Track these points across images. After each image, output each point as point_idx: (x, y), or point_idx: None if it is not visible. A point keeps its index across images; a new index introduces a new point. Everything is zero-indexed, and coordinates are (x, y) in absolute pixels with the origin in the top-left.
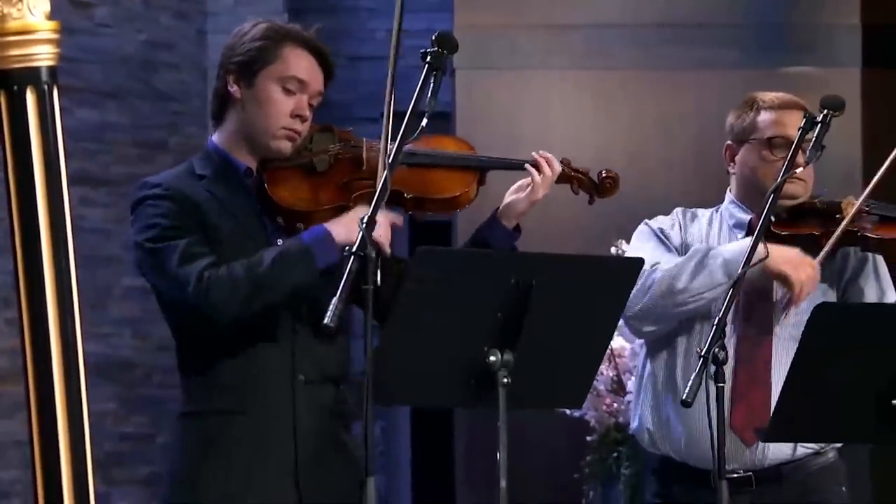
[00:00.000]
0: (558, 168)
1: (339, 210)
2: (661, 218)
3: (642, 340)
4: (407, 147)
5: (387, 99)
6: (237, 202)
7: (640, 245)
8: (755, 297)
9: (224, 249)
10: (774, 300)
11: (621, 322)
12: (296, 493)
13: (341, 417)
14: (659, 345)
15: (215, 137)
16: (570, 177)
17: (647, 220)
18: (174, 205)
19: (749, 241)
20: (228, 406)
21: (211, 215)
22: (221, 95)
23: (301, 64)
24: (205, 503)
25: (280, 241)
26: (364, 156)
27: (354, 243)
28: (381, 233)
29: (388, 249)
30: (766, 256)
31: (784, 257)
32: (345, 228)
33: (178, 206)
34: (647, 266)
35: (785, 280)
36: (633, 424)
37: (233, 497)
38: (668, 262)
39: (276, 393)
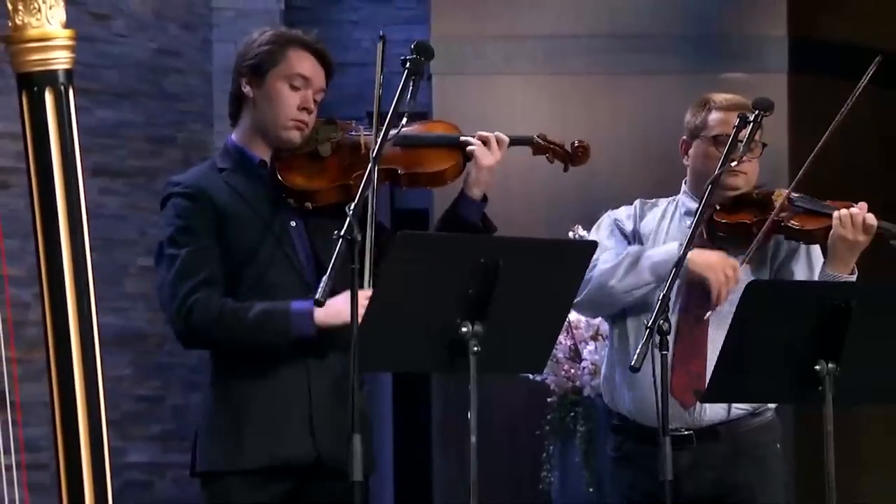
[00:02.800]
0: (504, 139)
1: (341, 189)
2: (621, 209)
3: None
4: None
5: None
6: (252, 190)
7: (596, 233)
8: (697, 281)
9: (238, 233)
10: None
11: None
12: (313, 445)
13: (349, 378)
14: (616, 320)
15: (234, 135)
16: (546, 148)
17: (609, 212)
18: (190, 203)
19: (675, 245)
20: (251, 373)
21: (226, 204)
22: (236, 97)
23: (304, 63)
24: (241, 463)
25: (293, 223)
26: (362, 141)
27: (332, 327)
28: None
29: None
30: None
31: (706, 262)
32: (326, 312)
33: (194, 203)
34: (595, 255)
35: (705, 283)
36: (601, 388)
37: (262, 454)
38: (605, 261)
39: (291, 360)
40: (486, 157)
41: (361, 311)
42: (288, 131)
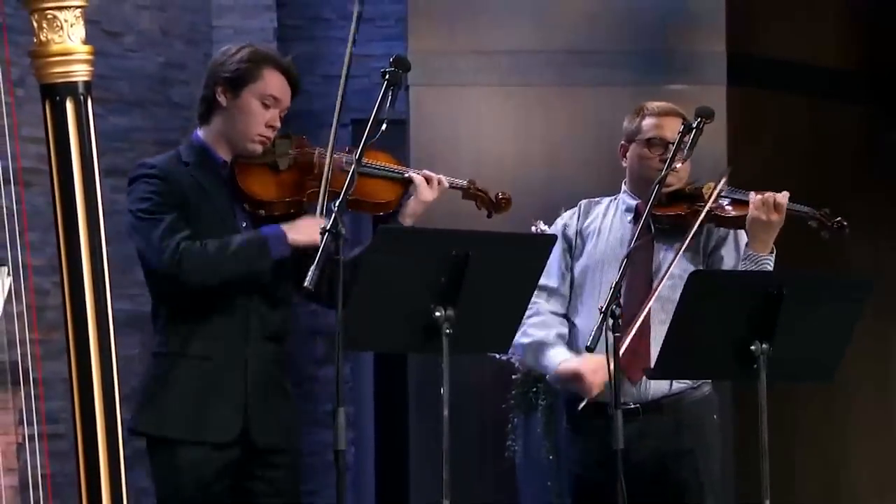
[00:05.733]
0: (444, 181)
1: (294, 204)
2: (566, 214)
3: None
4: (350, 156)
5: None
6: (212, 187)
7: (562, 219)
8: (638, 267)
9: (200, 225)
10: (654, 271)
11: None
12: (243, 430)
13: (283, 367)
14: (567, 315)
15: (200, 133)
16: (475, 195)
17: (560, 217)
18: (164, 184)
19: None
20: (194, 352)
21: (192, 196)
22: (209, 101)
23: (277, 83)
24: (168, 431)
25: (244, 224)
26: (315, 161)
27: (302, 244)
28: (306, 236)
29: (317, 243)
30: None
31: (579, 367)
32: (297, 231)
33: (167, 185)
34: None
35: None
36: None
37: (190, 427)
38: (530, 325)
39: (231, 345)
40: (426, 194)
41: (314, 236)
42: (254, 144)
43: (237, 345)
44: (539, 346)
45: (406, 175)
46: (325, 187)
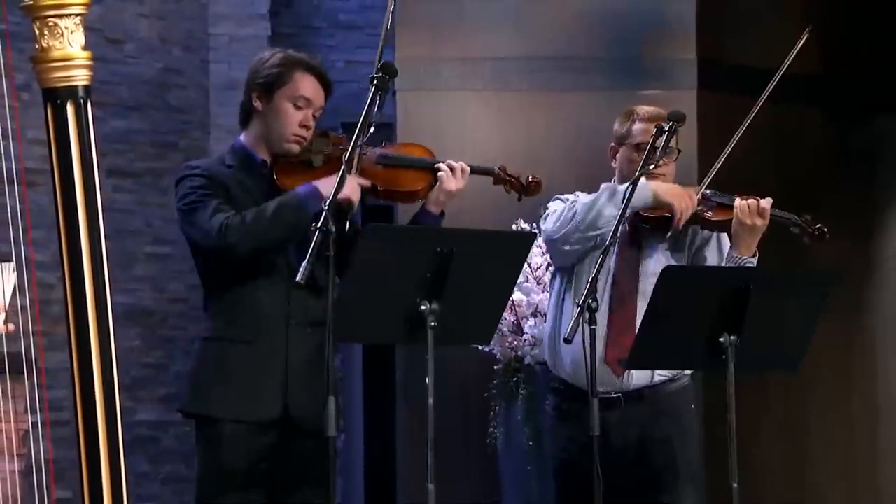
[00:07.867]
0: (466, 169)
1: None
2: (564, 195)
3: (541, 295)
4: (382, 150)
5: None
6: (254, 186)
7: (555, 205)
8: (626, 266)
9: None
10: (640, 270)
11: (522, 278)
12: (283, 410)
13: (323, 354)
14: (555, 297)
15: (242, 137)
16: (505, 180)
17: (556, 195)
18: (207, 179)
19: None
20: (239, 336)
21: (234, 192)
22: (247, 106)
23: (308, 85)
24: (213, 411)
25: None
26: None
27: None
28: (349, 191)
29: (356, 201)
30: (652, 201)
31: (669, 191)
32: (327, 186)
33: (210, 181)
34: (566, 202)
35: (669, 208)
36: (545, 355)
37: (235, 408)
38: (584, 197)
39: (273, 333)
40: (451, 183)
41: (350, 190)
42: (289, 144)
43: (278, 330)
44: (608, 189)
45: (432, 164)
46: (344, 173)
